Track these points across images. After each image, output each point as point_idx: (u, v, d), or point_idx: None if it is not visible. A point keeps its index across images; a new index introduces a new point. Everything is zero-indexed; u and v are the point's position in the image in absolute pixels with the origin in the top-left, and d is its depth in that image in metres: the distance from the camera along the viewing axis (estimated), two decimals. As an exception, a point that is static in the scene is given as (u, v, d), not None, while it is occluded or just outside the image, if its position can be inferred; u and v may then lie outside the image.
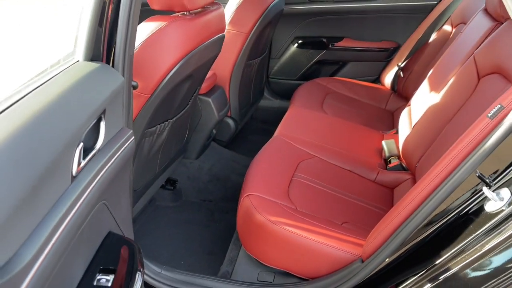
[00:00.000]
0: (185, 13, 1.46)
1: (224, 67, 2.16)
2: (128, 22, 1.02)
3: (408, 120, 1.89)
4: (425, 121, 1.67)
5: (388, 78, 2.54)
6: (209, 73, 2.03)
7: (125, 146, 1.01)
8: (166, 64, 1.34)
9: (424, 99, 1.82)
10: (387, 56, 2.64)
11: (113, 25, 1.01)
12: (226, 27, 2.09)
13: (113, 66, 1.04)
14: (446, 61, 1.84)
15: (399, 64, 2.48)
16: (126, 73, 1.06)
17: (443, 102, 1.62)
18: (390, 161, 1.82)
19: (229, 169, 2.24)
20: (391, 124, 2.34)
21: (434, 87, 1.76)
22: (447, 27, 2.24)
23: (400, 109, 2.29)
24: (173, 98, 1.52)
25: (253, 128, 2.75)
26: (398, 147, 1.87)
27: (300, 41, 2.69)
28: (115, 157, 0.97)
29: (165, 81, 1.35)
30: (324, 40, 2.67)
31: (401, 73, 2.44)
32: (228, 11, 2.14)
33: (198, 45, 1.46)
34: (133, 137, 1.08)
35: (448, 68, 1.75)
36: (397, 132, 2.05)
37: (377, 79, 2.74)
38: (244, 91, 2.35)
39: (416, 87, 2.02)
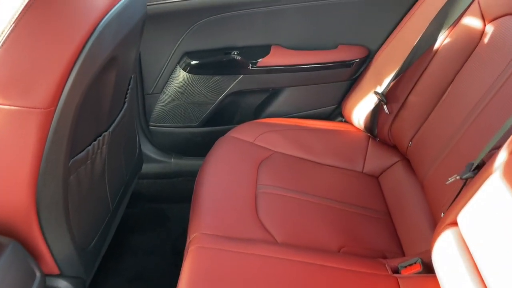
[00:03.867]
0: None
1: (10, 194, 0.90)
2: None
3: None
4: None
5: (358, 112, 1.43)
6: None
7: None
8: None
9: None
10: (351, 74, 1.50)
11: None
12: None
13: None
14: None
15: (379, 89, 1.39)
16: None
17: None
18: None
19: None
20: (384, 206, 1.26)
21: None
22: (472, 22, 1.16)
23: (392, 171, 1.34)
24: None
25: (138, 219, 1.60)
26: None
27: (193, 62, 1.47)
28: None
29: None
30: (236, 56, 1.46)
31: (384, 107, 1.36)
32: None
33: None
34: None
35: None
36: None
37: (337, 112, 1.65)
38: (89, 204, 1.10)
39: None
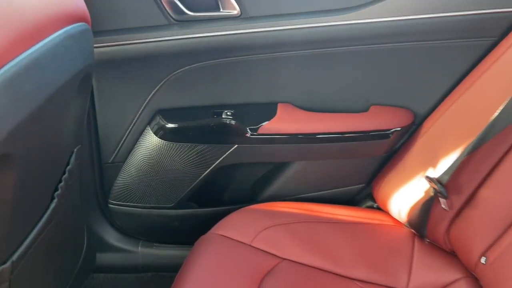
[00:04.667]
0: None
1: None
2: None
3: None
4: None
5: (398, 199, 1.00)
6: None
7: None
8: None
9: None
10: (388, 147, 1.06)
11: None
12: None
13: None
14: None
15: (432, 173, 0.98)
16: None
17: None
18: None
19: None
20: None
21: None
22: None
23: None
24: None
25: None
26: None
27: (168, 124, 1.04)
28: None
29: None
30: (229, 117, 1.04)
31: (442, 200, 0.95)
32: None
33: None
34: None
35: None
36: None
37: (365, 194, 1.21)
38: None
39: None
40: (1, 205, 0.61)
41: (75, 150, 0.89)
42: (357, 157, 1.07)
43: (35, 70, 0.55)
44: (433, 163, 0.97)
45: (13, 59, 0.52)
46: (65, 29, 0.63)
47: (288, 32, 0.96)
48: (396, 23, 0.97)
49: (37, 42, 0.55)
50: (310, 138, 1.03)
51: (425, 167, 0.99)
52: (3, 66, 0.48)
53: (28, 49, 0.53)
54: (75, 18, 0.69)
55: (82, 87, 0.78)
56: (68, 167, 0.84)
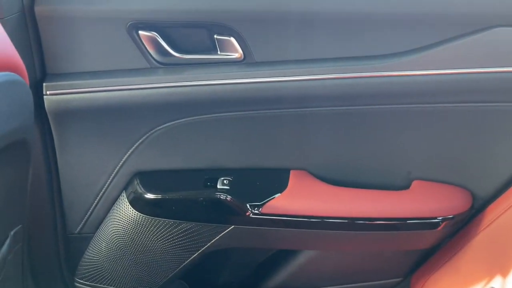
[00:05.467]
0: None
1: None
2: None
3: None
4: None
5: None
6: None
7: None
8: None
9: None
10: (436, 239, 0.78)
11: None
12: None
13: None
14: None
15: (498, 283, 0.71)
16: None
17: None
18: None
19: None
20: None
21: None
22: None
23: None
24: None
25: None
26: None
27: (148, 195, 0.80)
28: None
29: None
30: (224, 188, 0.78)
31: None
32: None
33: None
34: None
35: None
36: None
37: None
38: None
39: None
40: None
41: (12, 233, 0.67)
42: (392, 249, 0.81)
43: None
44: (503, 271, 0.71)
45: None
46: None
47: (305, 84, 0.73)
48: (450, 77, 0.73)
49: None
50: (330, 223, 0.77)
51: (489, 273, 0.72)
52: None
53: None
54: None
55: (10, 156, 0.56)
56: None
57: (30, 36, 0.73)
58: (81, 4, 0.73)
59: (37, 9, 0.71)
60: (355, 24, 0.73)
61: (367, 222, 0.76)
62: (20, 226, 0.68)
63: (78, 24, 0.73)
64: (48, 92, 0.75)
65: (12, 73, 0.51)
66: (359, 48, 0.73)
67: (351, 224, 0.77)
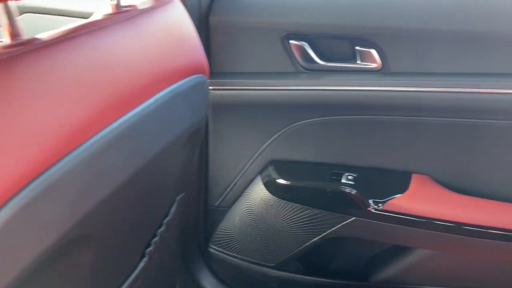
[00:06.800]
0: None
1: None
2: None
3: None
4: None
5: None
6: None
7: None
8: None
9: None
10: None
11: None
12: None
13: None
14: None
15: None
16: None
17: None
18: None
19: None
20: None
21: None
22: None
23: None
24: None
25: None
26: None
27: (280, 180, 0.91)
28: None
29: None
30: (349, 183, 0.86)
31: None
32: None
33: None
34: None
35: None
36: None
37: None
38: None
39: None
40: (77, 283, 0.55)
41: (178, 198, 0.83)
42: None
43: (127, 139, 0.48)
44: None
45: (99, 131, 0.45)
46: (171, 87, 0.55)
47: (437, 96, 0.78)
48: None
49: (135, 107, 0.48)
50: (452, 227, 0.82)
51: None
52: (84, 142, 0.42)
53: (121, 116, 0.47)
54: (189, 71, 0.62)
55: (190, 141, 0.71)
56: (166, 219, 0.78)
57: (202, 41, 0.90)
58: (250, 16, 0.86)
59: (212, 19, 0.86)
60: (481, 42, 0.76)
61: (497, 231, 0.79)
62: (183, 194, 0.84)
63: (243, 32, 0.87)
64: (210, 88, 0.91)
65: (202, 75, 0.66)
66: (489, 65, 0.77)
67: (477, 232, 0.80)
